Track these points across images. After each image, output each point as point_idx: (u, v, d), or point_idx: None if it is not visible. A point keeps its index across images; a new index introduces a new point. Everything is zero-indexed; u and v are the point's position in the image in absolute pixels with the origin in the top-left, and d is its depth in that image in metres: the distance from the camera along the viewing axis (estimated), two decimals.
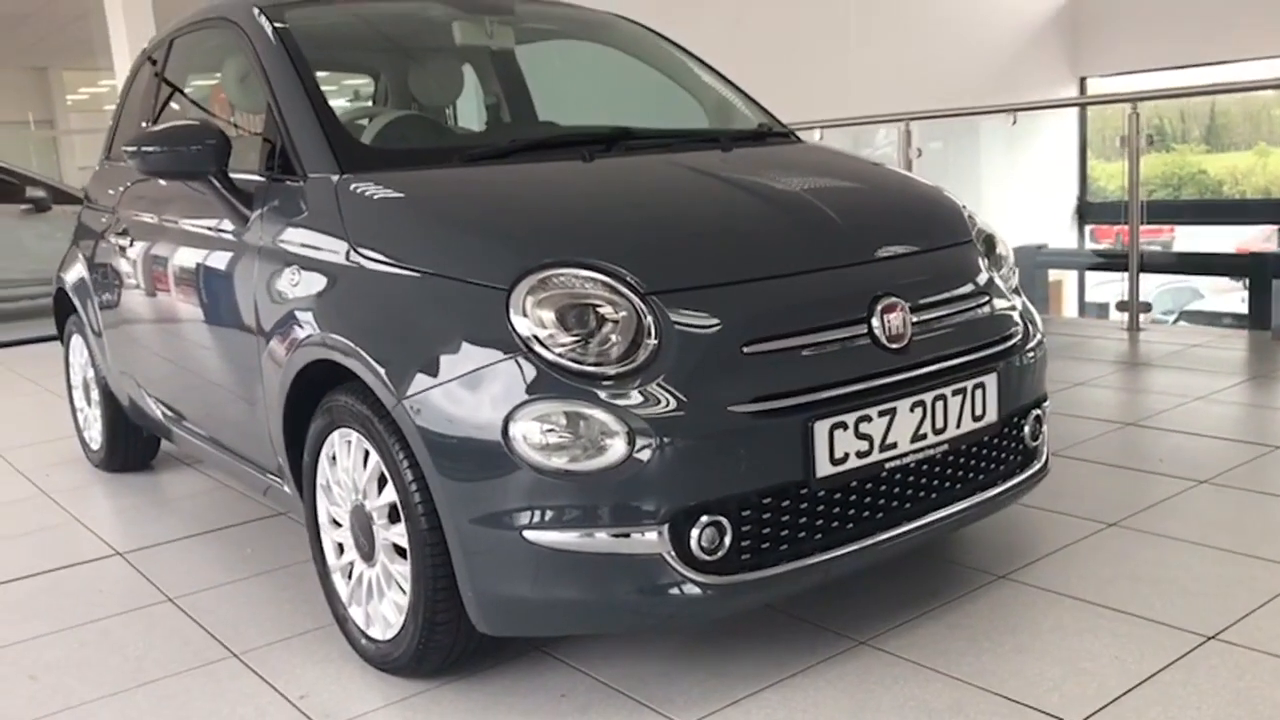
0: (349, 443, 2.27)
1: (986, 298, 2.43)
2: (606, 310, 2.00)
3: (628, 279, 2.04)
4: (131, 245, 3.41)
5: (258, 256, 2.60)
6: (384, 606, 2.26)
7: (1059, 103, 14.31)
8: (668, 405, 1.94)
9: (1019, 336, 2.46)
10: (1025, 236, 11.26)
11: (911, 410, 2.16)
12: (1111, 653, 2.19)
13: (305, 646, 2.46)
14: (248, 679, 2.33)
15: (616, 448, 1.91)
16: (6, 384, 6.01)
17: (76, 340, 4.12)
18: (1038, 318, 2.63)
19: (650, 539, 1.93)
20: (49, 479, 4.00)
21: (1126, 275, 5.79)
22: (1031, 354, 2.48)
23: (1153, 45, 13.55)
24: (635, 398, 1.94)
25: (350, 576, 2.38)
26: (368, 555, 2.29)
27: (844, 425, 2.06)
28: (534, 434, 1.92)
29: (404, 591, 2.17)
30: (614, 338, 1.98)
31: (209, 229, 2.89)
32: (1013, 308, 2.51)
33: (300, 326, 2.37)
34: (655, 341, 1.99)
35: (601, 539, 1.94)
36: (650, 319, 2.00)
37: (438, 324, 2.09)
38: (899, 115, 6.58)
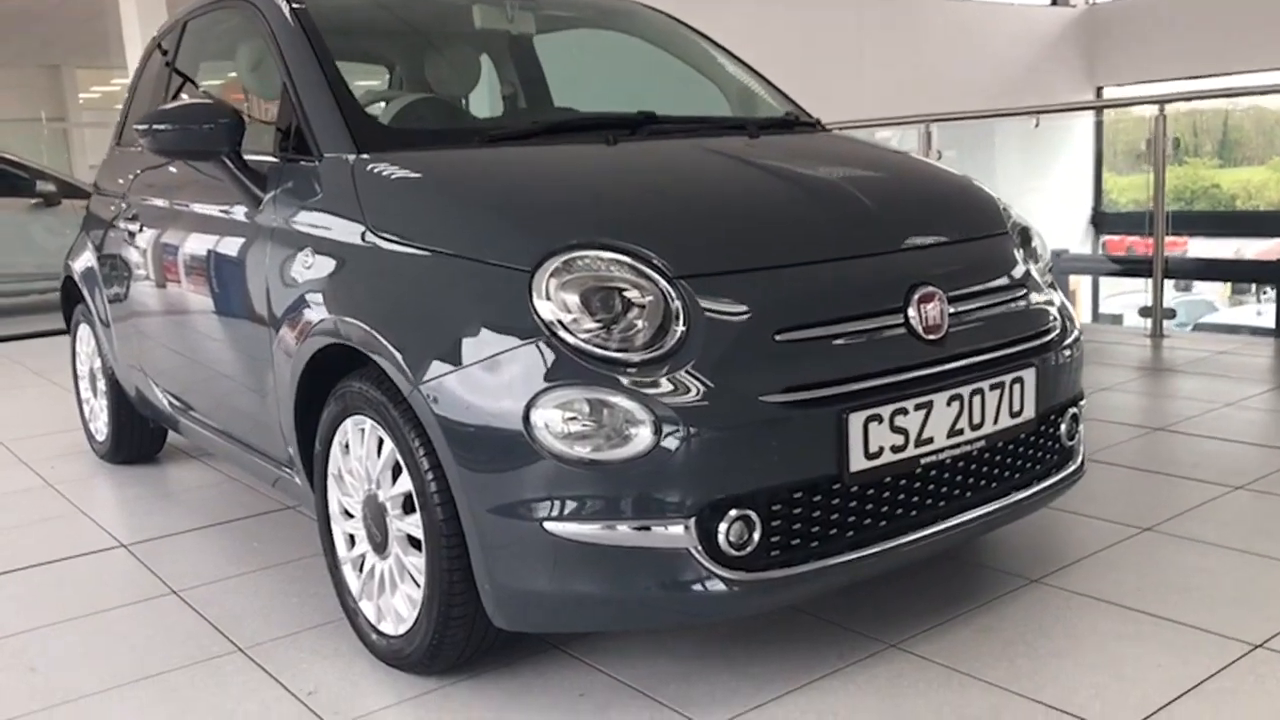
0: (362, 430, 2.20)
1: (1024, 290, 2.35)
2: (633, 294, 1.92)
3: (655, 261, 1.95)
4: (141, 232, 3.34)
5: (270, 239, 2.52)
6: (396, 600, 2.18)
7: (1085, 105, 14.22)
8: (696, 394, 1.86)
9: (1057, 331, 2.37)
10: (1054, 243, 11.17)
11: (948, 404, 2.08)
12: (1153, 659, 2.10)
13: (313, 641, 2.38)
14: (253, 674, 2.25)
15: (642, 437, 1.83)
16: (13, 378, 5.94)
17: (84, 329, 4.05)
18: (1074, 313, 2.54)
19: (676, 532, 1.85)
20: (53, 470, 3.93)
21: (1148, 283, 5.70)
22: (1069, 350, 2.39)
23: (1170, 55, 13.48)
24: (662, 385, 1.85)
25: (361, 569, 2.30)
26: (380, 547, 2.21)
27: (879, 418, 1.98)
28: (556, 422, 1.84)
29: (418, 585, 2.09)
30: (640, 323, 1.90)
31: (221, 214, 2.81)
32: (1050, 302, 2.42)
33: (313, 310, 2.30)
34: (683, 327, 1.91)
35: (625, 531, 1.86)
36: (678, 304, 1.92)
37: (457, 307, 2.01)
38: (921, 117, 6.50)
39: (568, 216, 2.08)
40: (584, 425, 1.84)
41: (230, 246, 2.74)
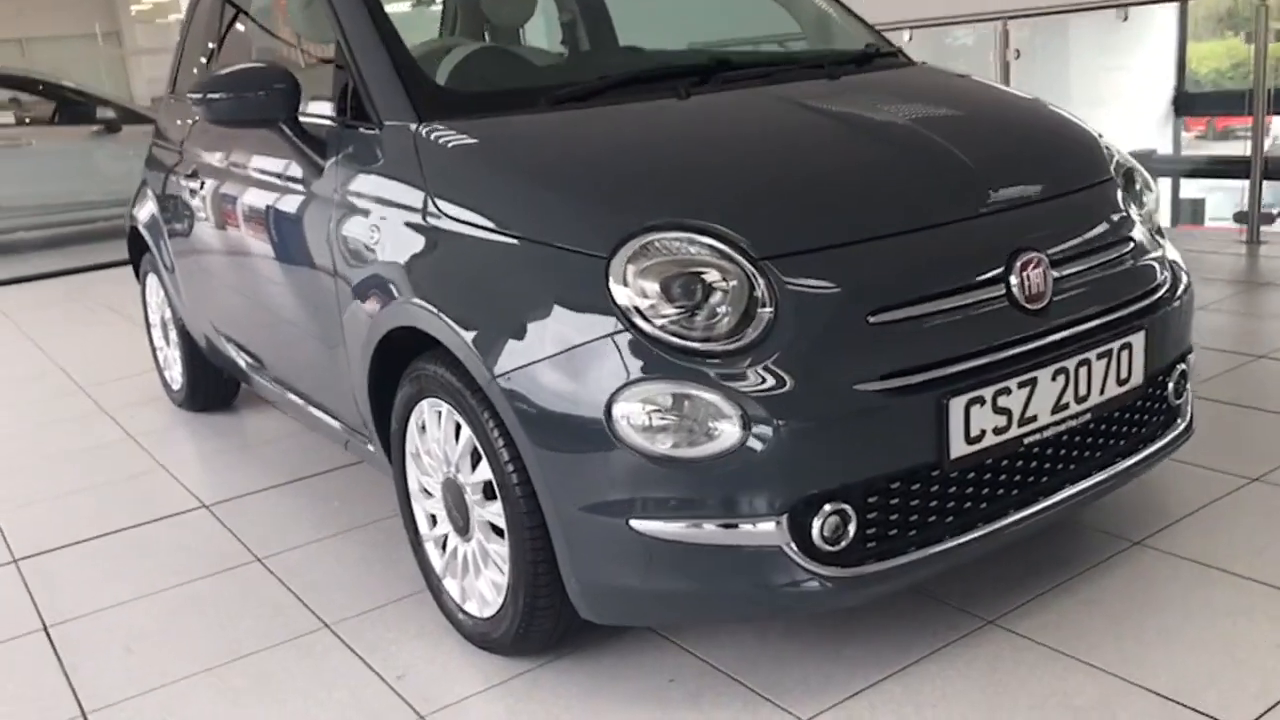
0: (439, 413, 2.14)
1: (1131, 245, 2.19)
2: (715, 278, 1.81)
3: (738, 241, 1.84)
4: (201, 188, 3.28)
5: (334, 208, 2.44)
6: (481, 584, 2.15)
7: None
8: (785, 385, 1.76)
9: (1166, 286, 2.22)
10: (1127, 141, 10.68)
11: (1053, 379, 1.96)
12: (1273, 640, 2.00)
13: (400, 616, 2.37)
14: (342, 655, 2.25)
15: (729, 432, 1.74)
16: (88, 313, 6.02)
17: (152, 279, 4.04)
18: (1181, 259, 2.38)
19: (768, 530, 1.78)
20: (134, 420, 3.97)
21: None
22: (1179, 304, 2.24)
23: None
24: (749, 377, 1.76)
25: (444, 548, 2.27)
26: (463, 530, 2.17)
27: (981, 400, 1.87)
28: (638, 417, 1.76)
29: (502, 571, 2.06)
30: (724, 309, 1.80)
31: (280, 176, 2.73)
32: (1159, 252, 2.26)
33: (381, 290, 2.22)
34: (770, 312, 1.80)
35: (713, 530, 1.79)
36: (763, 287, 1.81)
37: (532, 295, 1.92)
38: (996, 13, 6.15)
39: (642, 194, 1.97)
40: (668, 420, 1.76)
41: (293, 209, 2.67)
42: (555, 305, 1.88)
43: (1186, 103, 13.46)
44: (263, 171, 2.85)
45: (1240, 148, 5.63)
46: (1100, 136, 2.43)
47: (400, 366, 2.24)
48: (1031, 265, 1.97)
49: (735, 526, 1.78)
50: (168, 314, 3.92)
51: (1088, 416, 2.04)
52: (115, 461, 3.57)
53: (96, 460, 3.60)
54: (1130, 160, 2.44)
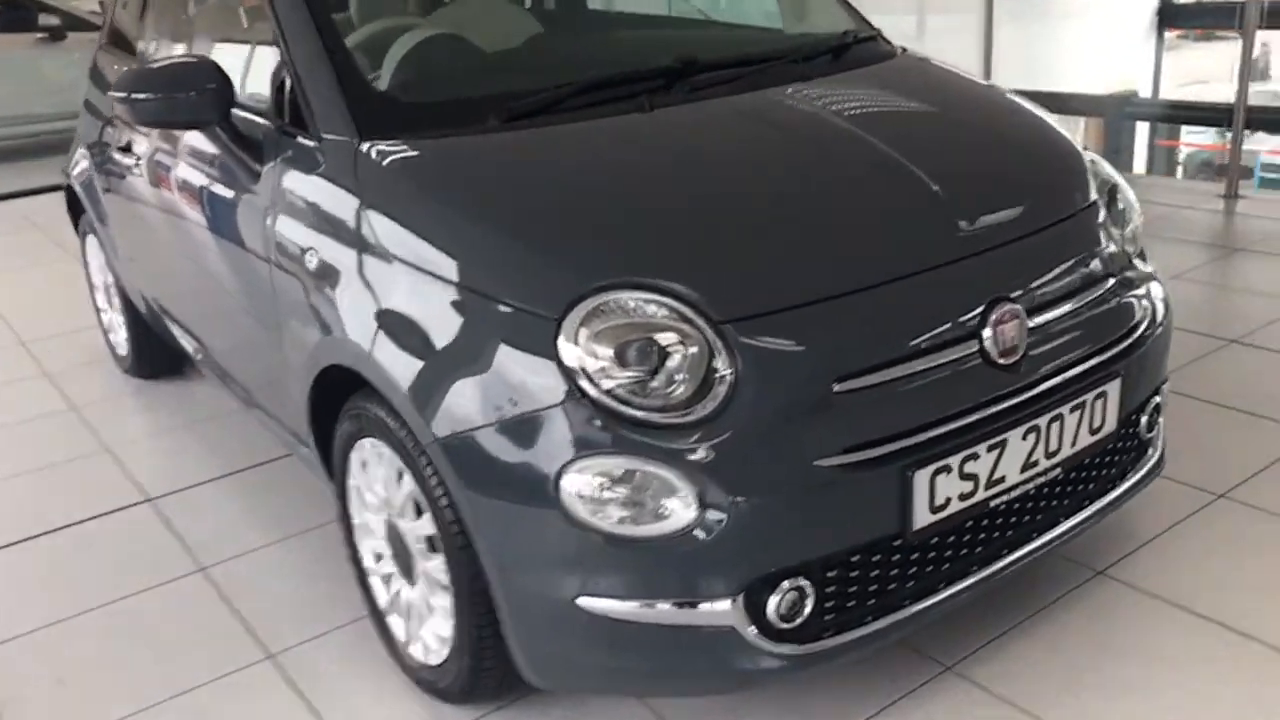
0: (380, 455, 2.03)
1: (1111, 281, 2.08)
2: (672, 341, 1.69)
3: (699, 304, 1.72)
4: (137, 163, 3.08)
5: (270, 219, 2.28)
6: (425, 632, 2.07)
7: None
8: (743, 461, 1.67)
9: (1146, 323, 2.12)
10: (1109, 81, 10.41)
11: (1024, 438, 1.87)
12: (1234, 693, 1.96)
13: (344, 647, 2.29)
14: (284, 695, 2.18)
15: (683, 511, 1.65)
16: (32, 246, 5.79)
17: (92, 241, 3.85)
18: (1161, 288, 2.27)
19: (722, 609, 1.70)
20: (78, 387, 3.82)
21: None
22: (1157, 338, 2.15)
23: None
24: (705, 452, 1.66)
25: (389, 585, 2.19)
26: (407, 573, 2.09)
27: (947, 469, 1.78)
28: (589, 492, 1.66)
29: (447, 624, 1.98)
30: (681, 376, 1.69)
31: (215, 170, 2.55)
32: (1140, 285, 2.16)
33: (318, 319, 2.09)
34: (730, 381, 1.69)
35: (667, 610, 1.71)
36: (724, 353, 1.70)
37: (476, 350, 1.79)
38: None
39: (599, 246, 1.83)
40: (619, 496, 1.66)
41: (230, 212, 2.50)
42: (501, 364, 1.76)
43: (1171, 14, 13.17)
44: (198, 158, 2.67)
45: (1223, 50, 5.43)
46: (1085, 153, 2.30)
47: (342, 396, 2.12)
48: (1007, 317, 1.86)
49: (690, 606, 1.70)
50: (110, 278, 3.75)
51: (1058, 472, 1.96)
52: (55, 440, 3.44)
53: (35, 437, 3.47)
54: (1114, 175, 2.32)
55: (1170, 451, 2.36)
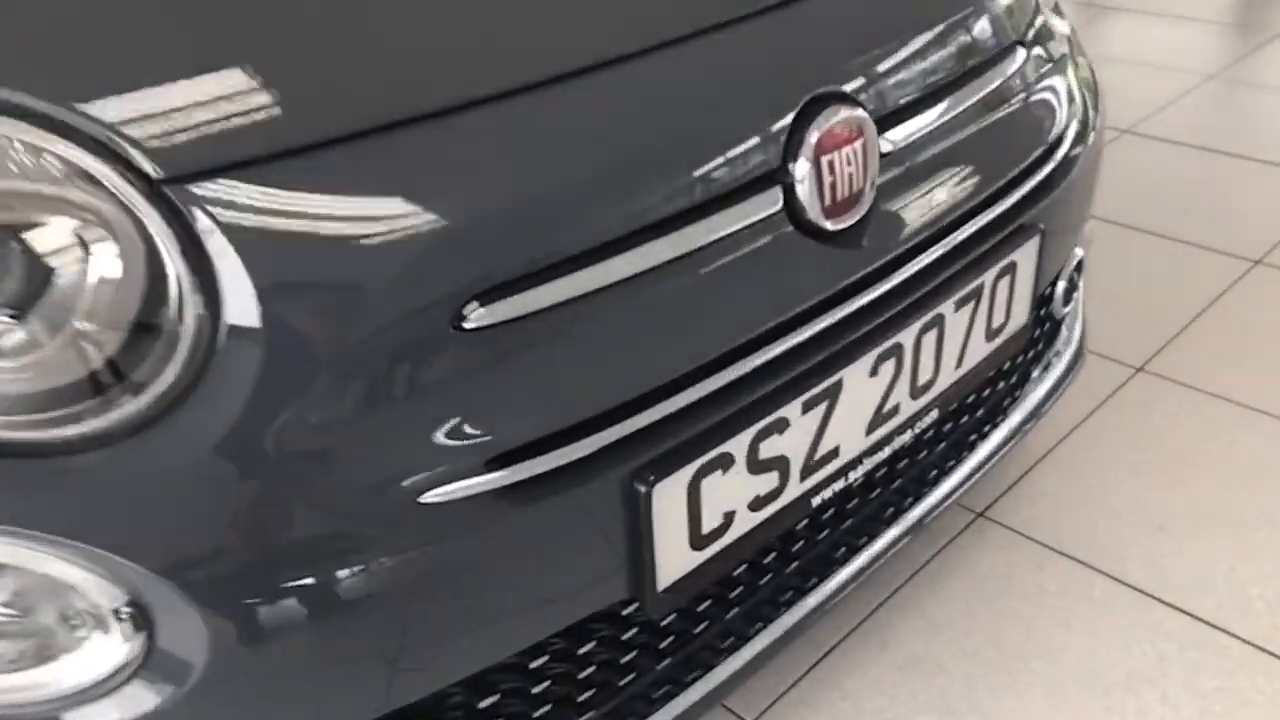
0: None
1: (1015, 64, 1.14)
2: (61, 240, 0.69)
3: (127, 146, 0.70)
4: None
5: None
6: None
7: None
8: (245, 511, 0.71)
9: (1073, 134, 1.22)
10: None
11: (873, 374, 0.97)
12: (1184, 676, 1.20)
13: None
14: None
15: (103, 646, 0.70)
16: None
17: None
18: (1088, 65, 1.38)
19: None
20: None
21: None
22: (1088, 158, 1.26)
23: None
24: (147, 503, 0.69)
25: None
26: None
27: (726, 462, 0.87)
28: None
29: None
30: (82, 319, 0.69)
31: None
32: (1058, 66, 1.24)
33: None
34: (201, 316, 0.70)
35: None
36: (180, 259, 0.70)
37: None
38: None
39: None
40: None
41: None
42: None
43: None
44: None
45: None
46: None
47: None
48: (838, 134, 0.92)
49: None
50: None
51: (935, 413, 1.08)
52: None
53: None
54: None
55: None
